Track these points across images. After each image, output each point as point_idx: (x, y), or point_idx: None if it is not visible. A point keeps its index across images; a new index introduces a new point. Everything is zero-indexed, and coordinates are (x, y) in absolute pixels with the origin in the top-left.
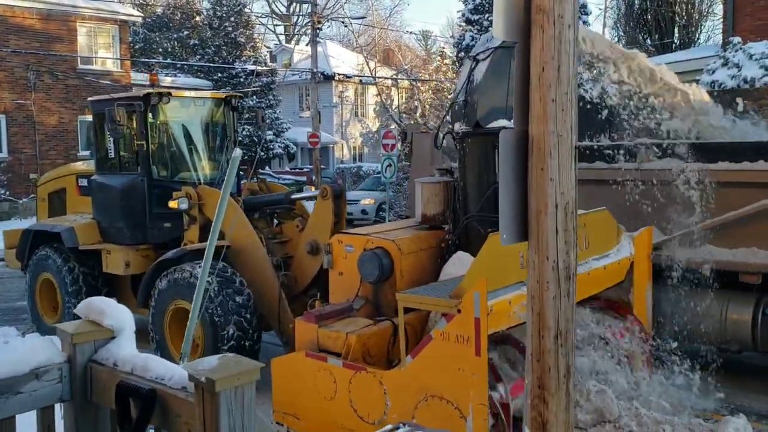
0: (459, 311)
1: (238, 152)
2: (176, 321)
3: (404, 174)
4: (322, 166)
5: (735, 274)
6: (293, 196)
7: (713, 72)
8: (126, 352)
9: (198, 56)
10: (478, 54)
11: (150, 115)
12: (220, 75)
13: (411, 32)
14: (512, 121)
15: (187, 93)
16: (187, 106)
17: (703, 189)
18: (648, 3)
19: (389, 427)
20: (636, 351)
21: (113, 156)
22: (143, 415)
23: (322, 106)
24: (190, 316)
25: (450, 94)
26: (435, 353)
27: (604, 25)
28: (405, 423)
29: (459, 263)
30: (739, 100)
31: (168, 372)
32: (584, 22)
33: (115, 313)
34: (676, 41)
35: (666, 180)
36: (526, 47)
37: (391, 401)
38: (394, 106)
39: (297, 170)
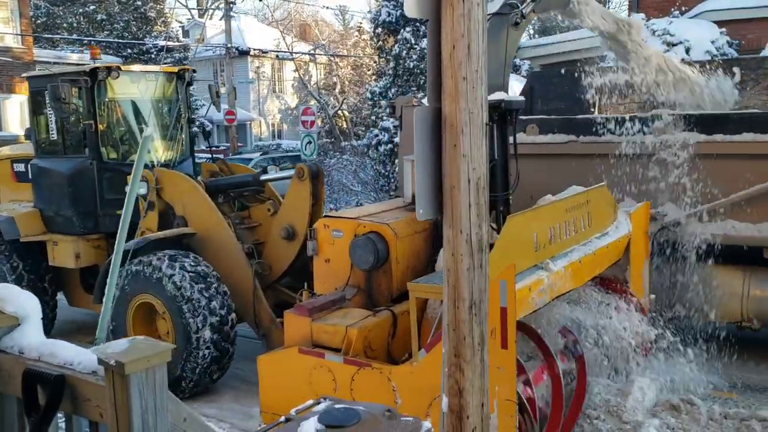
0: None
1: (149, 131)
2: (141, 318)
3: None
4: (239, 144)
5: (759, 249)
6: (262, 177)
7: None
8: (32, 339)
9: (106, 32)
10: None
11: (97, 91)
12: (130, 51)
13: (327, 7)
14: (429, 97)
15: (136, 67)
16: (137, 82)
17: (725, 161)
18: None
19: (310, 402)
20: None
21: (56, 138)
22: (52, 402)
23: (238, 82)
24: (104, 301)
25: (369, 70)
26: None
27: None
28: (326, 397)
29: None
30: (736, 70)
31: (77, 357)
32: None
33: (19, 300)
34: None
35: (684, 153)
36: (437, 25)
37: (402, 399)
38: (312, 82)
39: (213, 148)
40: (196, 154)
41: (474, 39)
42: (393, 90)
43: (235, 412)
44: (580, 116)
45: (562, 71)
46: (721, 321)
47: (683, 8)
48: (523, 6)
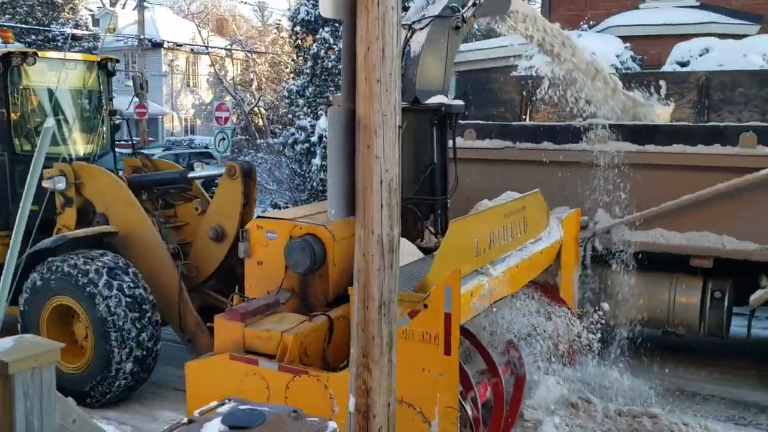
0: (426, 306)
1: (50, 122)
2: (55, 321)
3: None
4: (150, 138)
5: (685, 257)
6: (190, 175)
7: (531, 58)
8: None
9: (8, 16)
10: (413, 23)
11: (10, 78)
12: (34, 38)
13: (246, 2)
14: (343, 98)
15: (55, 54)
16: (55, 70)
17: (656, 171)
18: None
19: (214, 403)
20: (568, 336)
21: None
22: None
23: (151, 75)
24: None
25: (287, 67)
26: (397, 353)
27: None
28: (231, 398)
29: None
30: (662, 83)
31: None
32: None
33: None
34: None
35: (617, 162)
36: (352, 26)
37: (339, 407)
38: (228, 78)
39: (122, 142)
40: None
41: (388, 42)
42: (311, 89)
43: (138, 414)
44: (517, 123)
45: (499, 77)
46: (647, 326)
47: (591, 22)
48: (464, 10)
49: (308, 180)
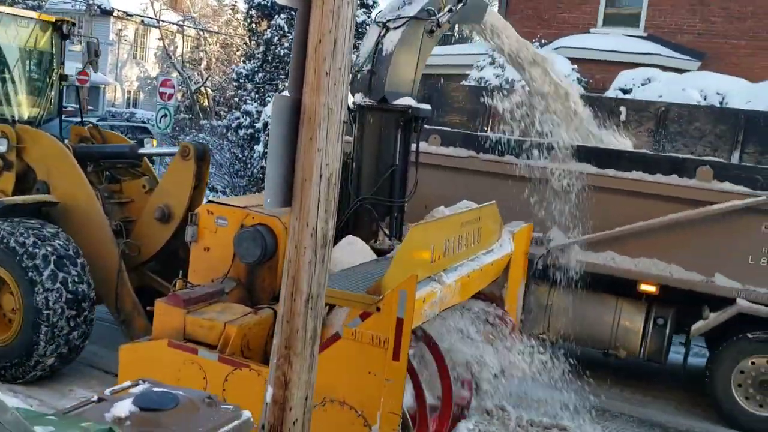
0: (378, 309)
1: None
2: None
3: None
4: (89, 107)
5: (633, 282)
6: (141, 151)
7: (482, 69)
8: None
9: None
10: (388, 21)
11: None
12: None
13: None
14: (290, 88)
15: (7, 9)
16: (5, 26)
17: (613, 195)
18: None
19: (128, 383)
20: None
21: None
22: None
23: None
24: None
25: (238, 50)
26: (341, 353)
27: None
28: (145, 380)
29: (350, 249)
30: (622, 109)
31: None
32: (373, 3)
33: None
34: (456, 35)
35: (576, 183)
36: (305, 16)
37: None
38: (177, 54)
39: (68, 109)
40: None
41: (341, 36)
42: (260, 74)
43: (48, 389)
44: (483, 134)
45: (460, 86)
46: (589, 346)
47: (543, 41)
48: (440, 15)
49: (249, 166)
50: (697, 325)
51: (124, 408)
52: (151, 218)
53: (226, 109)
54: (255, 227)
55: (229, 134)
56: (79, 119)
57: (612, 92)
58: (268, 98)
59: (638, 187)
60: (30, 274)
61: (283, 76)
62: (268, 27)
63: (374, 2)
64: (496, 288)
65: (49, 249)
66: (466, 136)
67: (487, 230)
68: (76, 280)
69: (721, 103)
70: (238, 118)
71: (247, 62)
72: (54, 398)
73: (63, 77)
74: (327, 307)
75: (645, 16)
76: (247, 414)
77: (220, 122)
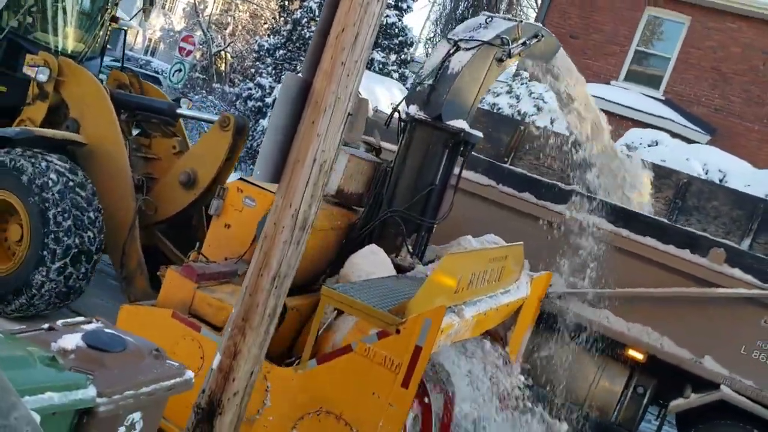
0: (398, 331)
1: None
2: None
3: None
4: (108, 47)
5: (621, 345)
6: (179, 111)
7: (498, 95)
8: None
9: None
10: (460, 40)
11: None
12: None
13: None
14: (303, 68)
15: None
16: None
17: (622, 255)
18: (471, 9)
19: (81, 318)
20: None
21: None
22: None
23: None
24: None
25: (266, 23)
26: (349, 367)
27: (427, 18)
28: (100, 319)
29: (372, 259)
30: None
31: None
32: (407, 8)
33: None
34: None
35: (588, 235)
36: (334, 3)
37: (272, 401)
38: (206, 13)
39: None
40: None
41: (363, 30)
42: (282, 51)
43: (27, 322)
44: (506, 166)
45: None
46: (566, 399)
47: None
48: (513, 45)
49: (250, 138)
50: (677, 402)
51: (71, 341)
52: (175, 180)
53: (241, 78)
54: None
55: (238, 103)
56: (120, 64)
57: (617, 146)
58: (284, 76)
59: (649, 253)
60: (44, 206)
61: (303, 58)
62: (300, 7)
63: (408, 7)
64: (502, 328)
65: (69, 188)
66: (489, 164)
67: (509, 270)
68: (87, 222)
69: (720, 180)
70: (250, 88)
71: (272, 37)
72: (11, 324)
73: (114, 18)
74: (336, 311)
75: (667, 80)
76: (189, 374)
77: (232, 89)
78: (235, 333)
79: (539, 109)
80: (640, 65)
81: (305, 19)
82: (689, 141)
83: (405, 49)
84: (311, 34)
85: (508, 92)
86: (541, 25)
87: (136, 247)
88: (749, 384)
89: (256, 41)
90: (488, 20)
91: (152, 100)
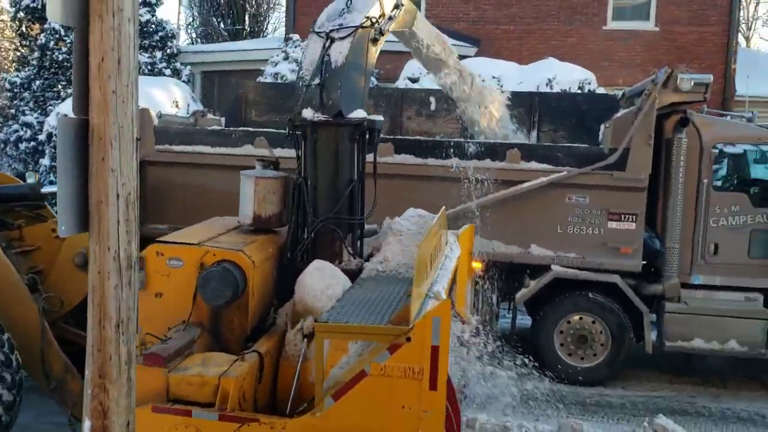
0: (409, 339)
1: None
2: None
3: None
4: None
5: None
6: (45, 190)
7: (276, 64)
8: None
9: None
10: (331, 31)
11: None
12: None
13: None
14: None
15: None
16: None
17: (432, 183)
18: None
19: None
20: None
21: None
22: None
23: None
24: None
25: (9, 57)
26: (369, 392)
27: (180, 3)
28: None
29: (320, 275)
30: (432, 99)
31: None
32: (156, 1)
33: None
34: (247, 28)
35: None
36: (84, 34)
37: None
38: None
39: None
40: None
41: (125, 53)
42: (38, 82)
43: None
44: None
45: (262, 79)
46: None
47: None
48: (382, 22)
49: (42, 181)
50: (521, 293)
51: None
52: (70, 265)
53: (1, 121)
54: (221, 265)
55: (7, 149)
56: None
57: (402, 82)
58: (50, 107)
59: (454, 172)
60: None
61: (64, 83)
62: (42, 31)
63: (157, 0)
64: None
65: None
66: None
67: (442, 236)
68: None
69: (499, 85)
70: (17, 131)
71: (21, 70)
72: None
73: None
74: (306, 340)
75: (425, 6)
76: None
77: None
78: (96, 393)
79: None
80: None
81: (51, 42)
82: (461, 57)
83: (168, 43)
84: (64, 56)
85: (286, 58)
86: None
87: (55, 350)
88: (573, 256)
89: (4, 78)
90: (348, 3)
91: (9, 187)
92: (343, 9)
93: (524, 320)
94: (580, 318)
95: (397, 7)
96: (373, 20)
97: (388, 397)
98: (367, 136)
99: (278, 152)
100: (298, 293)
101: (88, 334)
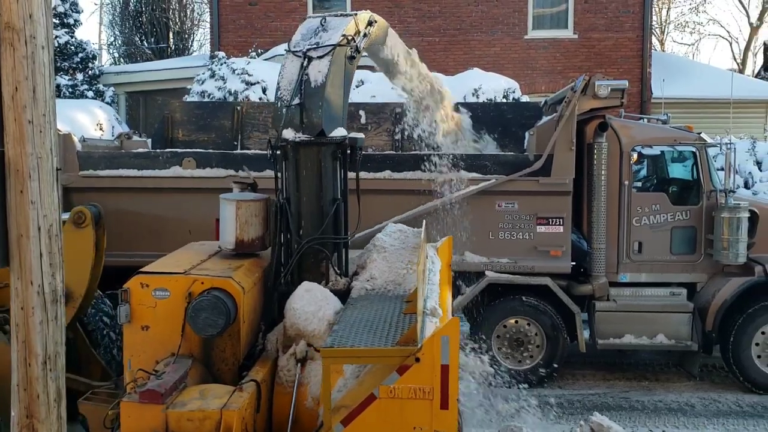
0: (418, 360)
1: None
2: None
3: None
4: None
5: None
6: None
7: (203, 82)
8: None
9: None
10: (308, 50)
11: None
12: None
13: None
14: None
15: None
16: None
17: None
18: (143, 5)
19: None
20: None
21: None
22: None
23: None
24: None
25: None
26: (379, 416)
27: (100, 23)
28: None
29: (309, 297)
30: (362, 113)
31: None
32: (75, 22)
33: None
34: (171, 46)
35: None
36: None
37: None
38: None
39: None
40: None
41: (40, 82)
42: None
43: None
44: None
45: (189, 98)
46: None
47: (260, 50)
48: (358, 40)
49: None
50: (458, 300)
51: None
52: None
53: None
54: (211, 294)
55: None
56: None
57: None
58: None
59: (386, 185)
60: None
61: None
62: None
63: (76, 21)
64: None
65: None
66: (221, 156)
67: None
68: None
69: None
70: None
71: None
72: None
73: None
74: (299, 364)
75: None
76: None
77: None
78: None
79: (248, 83)
80: (324, 9)
81: None
82: None
83: (90, 64)
84: None
85: (212, 76)
86: (368, 11)
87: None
88: (505, 261)
89: None
90: (323, 22)
91: None
92: (317, 28)
93: (464, 326)
94: (516, 321)
95: (370, 24)
96: (349, 38)
97: (399, 419)
98: (350, 152)
99: (210, 172)
100: (289, 317)
101: (12, 372)
